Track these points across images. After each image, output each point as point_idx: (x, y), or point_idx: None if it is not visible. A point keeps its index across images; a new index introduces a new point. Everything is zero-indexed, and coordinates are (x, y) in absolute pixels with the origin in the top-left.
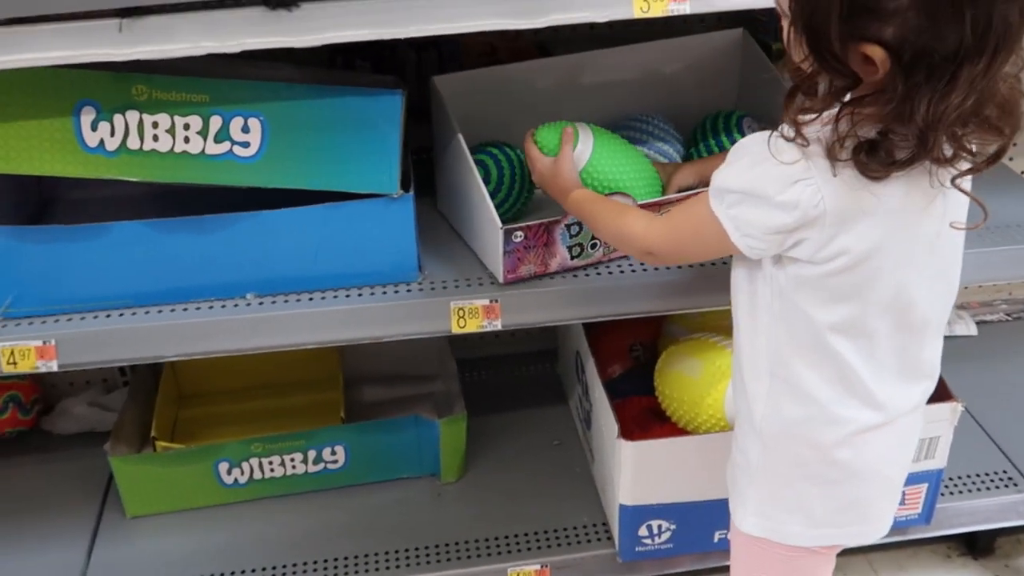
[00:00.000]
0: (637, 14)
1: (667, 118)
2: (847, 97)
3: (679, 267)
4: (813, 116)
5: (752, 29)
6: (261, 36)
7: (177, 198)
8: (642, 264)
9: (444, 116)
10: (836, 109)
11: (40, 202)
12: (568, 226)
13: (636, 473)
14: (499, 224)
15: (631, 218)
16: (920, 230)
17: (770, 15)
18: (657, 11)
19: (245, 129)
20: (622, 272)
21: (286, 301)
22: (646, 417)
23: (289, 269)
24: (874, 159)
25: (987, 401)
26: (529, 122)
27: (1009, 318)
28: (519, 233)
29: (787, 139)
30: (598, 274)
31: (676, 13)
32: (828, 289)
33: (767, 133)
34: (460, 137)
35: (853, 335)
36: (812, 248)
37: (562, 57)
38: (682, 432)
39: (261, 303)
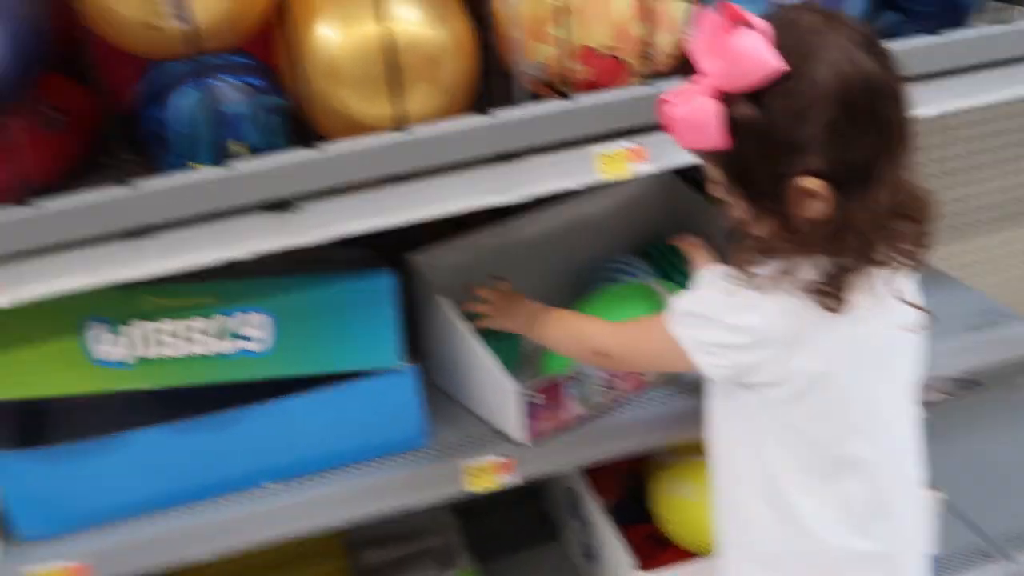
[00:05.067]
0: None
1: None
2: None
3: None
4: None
5: None
6: (269, 240)
7: (162, 394)
8: (640, 400)
9: (429, 293)
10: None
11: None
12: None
13: None
14: (516, 389)
15: (586, 320)
16: (873, 341)
17: None
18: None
19: (253, 325)
20: (622, 412)
21: (300, 486)
22: (649, 544)
23: (301, 453)
24: (829, 298)
25: None
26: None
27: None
28: (539, 396)
29: (739, 281)
30: (599, 416)
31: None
32: (801, 414)
33: (724, 267)
34: (453, 312)
35: (838, 462)
36: (771, 372)
37: (525, 217)
38: (689, 555)
39: (276, 492)
